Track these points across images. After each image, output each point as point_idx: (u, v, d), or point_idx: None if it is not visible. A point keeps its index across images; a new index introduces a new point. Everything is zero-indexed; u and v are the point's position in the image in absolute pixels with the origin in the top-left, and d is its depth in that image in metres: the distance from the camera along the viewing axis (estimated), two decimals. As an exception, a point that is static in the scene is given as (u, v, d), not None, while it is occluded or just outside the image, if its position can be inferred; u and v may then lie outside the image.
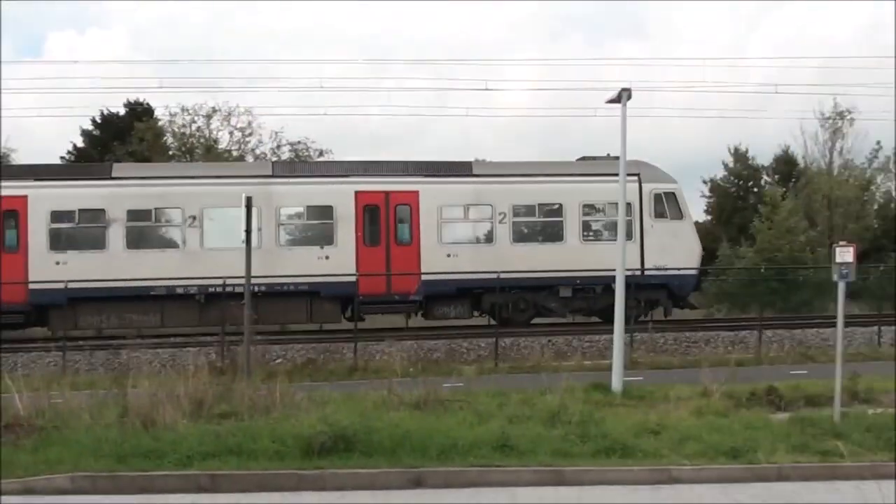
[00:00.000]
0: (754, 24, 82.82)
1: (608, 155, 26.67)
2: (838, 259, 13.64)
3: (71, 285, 23.66)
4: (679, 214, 27.59)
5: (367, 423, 12.08)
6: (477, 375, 18.01)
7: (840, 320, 13.92)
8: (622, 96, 17.20)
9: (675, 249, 26.84)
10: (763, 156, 48.47)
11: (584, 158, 29.16)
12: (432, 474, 10.90)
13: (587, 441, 12.01)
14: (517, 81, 60.24)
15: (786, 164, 51.00)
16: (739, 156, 51.27)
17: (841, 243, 14.30)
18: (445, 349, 23.74)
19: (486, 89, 36.64)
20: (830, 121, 46.89)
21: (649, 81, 54.85)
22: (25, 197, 24.84)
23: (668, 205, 27.31)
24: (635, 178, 26.11)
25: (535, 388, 15.42)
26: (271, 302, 24.76)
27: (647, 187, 26.98)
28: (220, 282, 23.23)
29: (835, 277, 13.70)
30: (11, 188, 24.79)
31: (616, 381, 16.79)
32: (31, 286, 24.28)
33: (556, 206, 26.94)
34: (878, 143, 47.88)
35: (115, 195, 25.30)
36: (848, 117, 46.22)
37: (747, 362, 21.35)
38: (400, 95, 73.86)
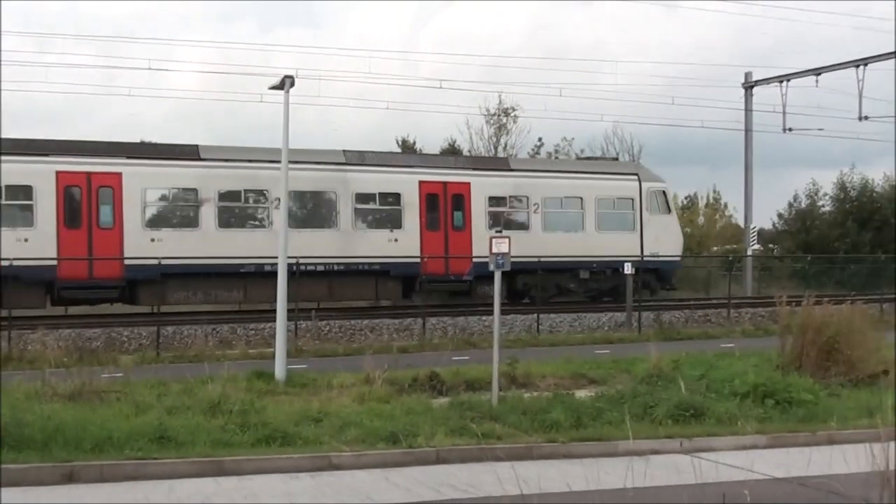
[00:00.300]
0: (425, 20, 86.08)
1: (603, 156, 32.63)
2: (494, 250, 14.71)
3: (164, 262, 24.85)
4: (668, 209, 32.72)
5: (17, 416, 11.49)
6: (137, 365, 17.60)
7: (497, 308, 14.98)
8: (285, 83, 17.56)
9: (665, 239, 31.72)
10: (431, 147, 50.88)
11: (588, 158, 35.42)
12: (86, 468, 10.53)
13: (247, 430, 12.10)
14: (187, 63, 59.41)
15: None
16: (407, 147, 53.22)
17: (496, 235, 15.44)
18: (105, 338, 23.02)
19: (150, 69, 35.65)
20: (495, 117, 50.18)
21: (319, 70, 55.91)
22: (120, 174, 25.59)
23: (659, 201, 32.24)
24: (635, 177, 32.14)
25: (196, 378, 15.21)
26: (346, 280, 27.93)
27: (645, 186, 31.86)
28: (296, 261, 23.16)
29: (491, 267, 14.76)
30: (106, 165, 25.51)
31: (279, 370, 16.98)
32: (126, 262, 25.26)
33: (579, 199, 30.99)
34: (540, 139, 52.00)
35: (205, 176, 26.43)
36: (512, 114, 49.75)
37: (411, 349, 22.32)
38: (64, 71, 69.54)
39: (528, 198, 30.41)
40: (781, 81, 40.25)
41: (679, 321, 29.45)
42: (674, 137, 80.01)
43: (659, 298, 32.65)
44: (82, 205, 25.30)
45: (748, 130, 41.63)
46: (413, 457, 11.62)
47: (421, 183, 29.22)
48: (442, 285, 29.23)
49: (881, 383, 17.13)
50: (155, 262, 24.81)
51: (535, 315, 27.18)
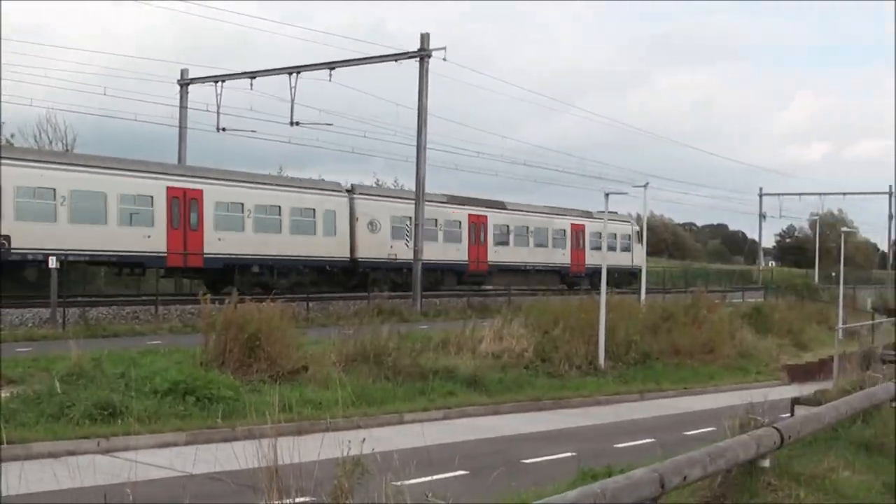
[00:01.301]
0: None
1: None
2: None
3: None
4: (639, 240, 50.38)
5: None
6: None
7: None
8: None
9: (636, 257, 53.83)
10: None
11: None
12: None
13: None
14: None
15: None
16: None
17: None
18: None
19: None
20: None
21: None
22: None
23: (636, 236, 56.26)
24: (630, 221, 60.39)
25: None
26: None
27: (634, 227, 58.47)
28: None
29: None
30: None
31: None
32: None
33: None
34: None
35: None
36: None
37: None
38: None
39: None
40: (216, 81, 41.84)
41: (107, 318, 29.45)
42: (109, 129, 79.16)
43: (88, 294, 32.70)
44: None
45: (183, 127, 42.89)
46: None
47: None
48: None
49: (301, 378, 18.82)
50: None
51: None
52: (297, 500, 7.47)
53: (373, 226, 42.65)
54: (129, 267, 35.54)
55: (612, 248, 53.49)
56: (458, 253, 47.17)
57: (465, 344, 24.25)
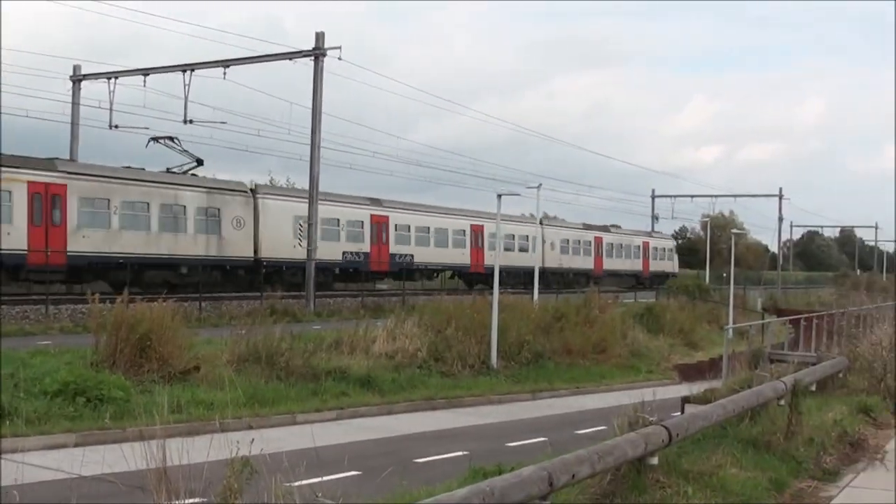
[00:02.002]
0: None
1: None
2: None
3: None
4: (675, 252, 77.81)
5: None
6: None
7: None
8: None
9: (674, 265, 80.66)
10: None
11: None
12: None
13: None
14: None
15: None
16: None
17: None
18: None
19: None
20: None
21: None
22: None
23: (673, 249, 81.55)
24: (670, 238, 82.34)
25: None
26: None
27: (672, 242, 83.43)
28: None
29: None
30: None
31: None
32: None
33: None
34: None
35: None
36: None
37: None
38: None
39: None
40: (110, 78, 41.14)
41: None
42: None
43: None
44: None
45: (75, 124, 42.10)
46: None
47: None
48: None
49: (193, 379, 18.65)
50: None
51: None
52: (187, 500, 7.44)
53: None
54: None
55: (657, 258, 77.76)
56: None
57: (358, 344, 24.28)
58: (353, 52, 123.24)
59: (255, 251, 41.40)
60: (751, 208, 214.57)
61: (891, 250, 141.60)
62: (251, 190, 43.01)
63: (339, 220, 46.02)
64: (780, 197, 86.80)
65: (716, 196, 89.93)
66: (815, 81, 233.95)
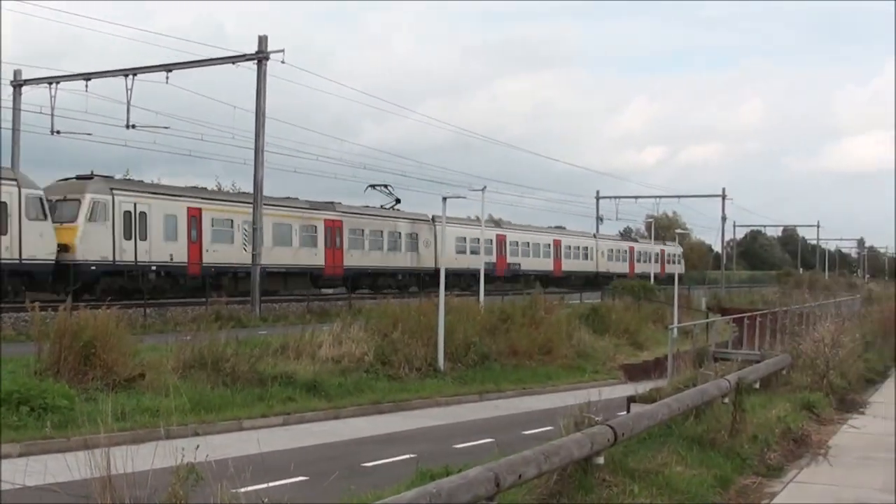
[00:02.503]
0: None
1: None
2: None
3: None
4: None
5: None
6: None
7: None
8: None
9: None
10: None
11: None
12: None
13: None
14: None
15: None
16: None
17: None
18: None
19: None
20: None
21: None
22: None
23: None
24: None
25: None
26: None
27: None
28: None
29: None
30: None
31: None
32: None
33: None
34: None
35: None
36: None
37: None
38: None
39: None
40: (51, 83, 40.61)
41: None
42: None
43: None
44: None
45: (16, 130, 41.44)
46: None
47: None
48: None
49: (138, 386, 18.48)
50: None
51: None
52: (132, 508, 7.39)
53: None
54: None
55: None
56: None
57: (304, 349, 24.20)
58: (297, 55, 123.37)
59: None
60: (694, 209, 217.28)
61: (832, 248, 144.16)
62: (433, 218, 55.09)
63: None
64: (723, 197, 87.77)
65: (659, 197, 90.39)
66: (754, 82, 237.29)
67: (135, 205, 37.76)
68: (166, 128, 39.47)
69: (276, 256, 43.31)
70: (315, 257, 47.55)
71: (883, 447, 15.34)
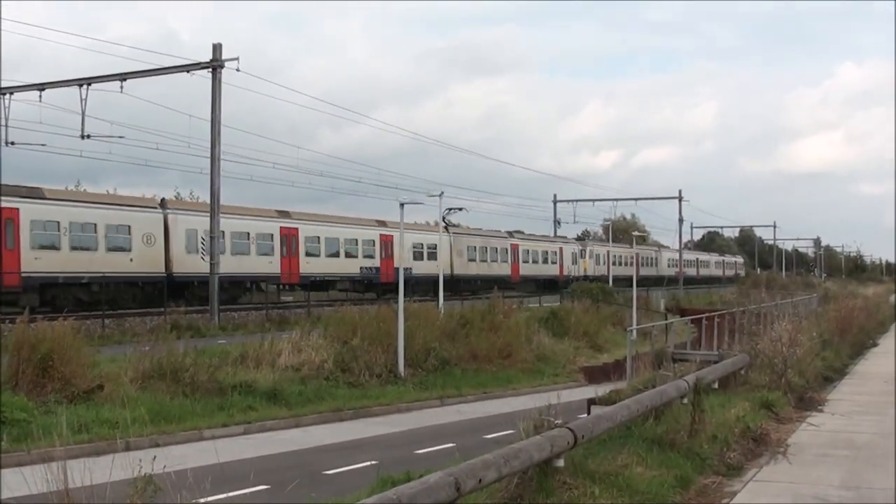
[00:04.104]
0: None
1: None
2: None
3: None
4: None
5: None
6: None
7: None
8: None
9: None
10: None
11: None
12: None
13: None
14: None
15: None
16: None
17: None
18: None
19: None
20: None
21: None
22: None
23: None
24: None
25: None
26: None
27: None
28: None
29: None
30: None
31: None
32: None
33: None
34: None
35: None
36: None
37: None
38: None
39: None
40: (3, 94, 40.12)
41: None
42: None
43: None
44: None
45: (-29, 141, 40.89)
46: None
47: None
48: None
49: (97, 398, 18.32)
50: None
51: None
52: (90, 521, 7.34)
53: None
54: None
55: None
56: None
57: (263, 357, 24.09)
58: (252, 62, 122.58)
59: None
60: (652, 211, 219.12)
61: (789, 248, 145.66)
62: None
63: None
64: (680, 199, 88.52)
65: (616, 200, 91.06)
66: (706, 84, 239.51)
67: None
68: (121, 137, 39.10)
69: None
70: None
71: (841, 444, 15.52)
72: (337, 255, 52.38)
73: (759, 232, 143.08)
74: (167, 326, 28.39)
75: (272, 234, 47.55)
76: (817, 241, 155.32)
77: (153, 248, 40.53)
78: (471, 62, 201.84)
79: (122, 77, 38.35)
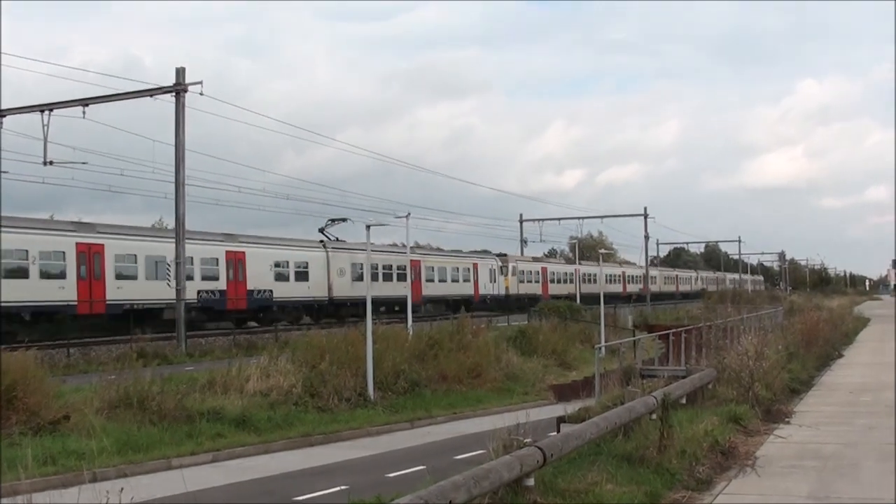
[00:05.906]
0: None
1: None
2: None
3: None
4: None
5: None
6: None
7: None
8: None
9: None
10: None
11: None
12: None
13: None
14: None
15: None
16: None
17: None
18: None
19: None
20: None
21: None
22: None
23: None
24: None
25: None
26: None
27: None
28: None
29: None
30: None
31: None
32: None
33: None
34: None
35: None
36: None
37: None
38: None
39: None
40: (-34, 120, 39.79)
41: None
42: None
43: None
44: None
45: (-68, 169, 40.56)
46: None
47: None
48: None
49: (63, 428, 18.15)
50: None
51: None
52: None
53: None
54: None
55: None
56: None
57: (231, 383, 23.99)
58: (215, 86, 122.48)
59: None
60: (618, 228, 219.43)
61: (754, 262, 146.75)
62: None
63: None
64: (646, 216, 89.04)
65: (582, 218, 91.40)
66: (669, 103, 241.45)
67: None
68: (84, 163, 38.82)
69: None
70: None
71: (809, 455, 15.67)
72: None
73: (724, 247, 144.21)
74: (133, 354, 28.12)
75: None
76: (782, 255, 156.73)
77: None
78: (435, 84, 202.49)
79: (85, 102, 38.10)
